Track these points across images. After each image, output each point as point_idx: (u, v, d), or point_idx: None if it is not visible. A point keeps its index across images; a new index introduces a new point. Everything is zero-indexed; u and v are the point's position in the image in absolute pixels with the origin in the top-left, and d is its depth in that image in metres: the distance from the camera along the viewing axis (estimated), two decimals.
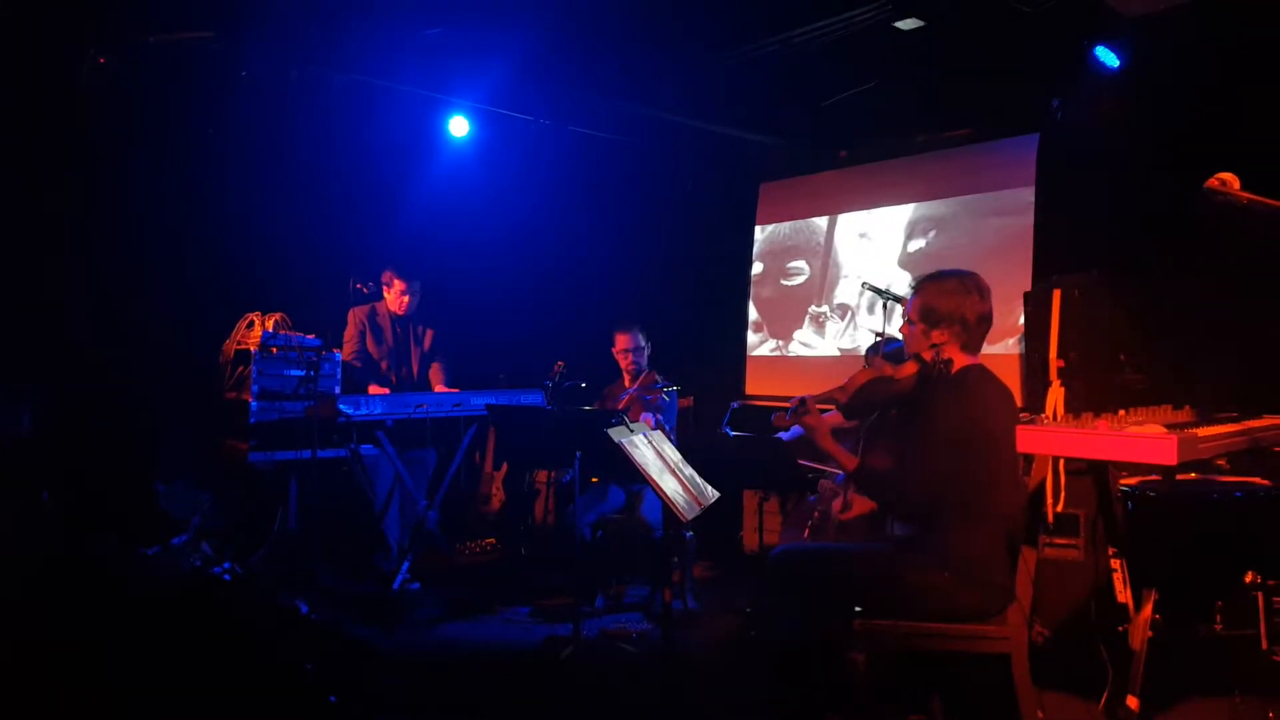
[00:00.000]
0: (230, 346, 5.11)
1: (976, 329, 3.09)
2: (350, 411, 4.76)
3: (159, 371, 5.69)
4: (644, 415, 5.13)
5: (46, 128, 5.11)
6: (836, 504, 4.33)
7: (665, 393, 5.21)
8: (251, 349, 4.89)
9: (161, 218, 5.71)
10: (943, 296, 3.10)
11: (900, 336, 3.78)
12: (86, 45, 4.88)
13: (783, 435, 4.31)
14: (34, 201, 5.27)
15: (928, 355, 3.10)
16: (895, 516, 3.35)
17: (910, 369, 3.16)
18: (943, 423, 2.98)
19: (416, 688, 3.93)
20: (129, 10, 4.91)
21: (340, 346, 5.32)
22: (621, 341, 5.39)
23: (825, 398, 3.21)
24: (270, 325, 5.13)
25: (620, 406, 5.18)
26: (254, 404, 4.81)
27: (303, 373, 4.89)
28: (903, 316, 3.26)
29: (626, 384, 5.37)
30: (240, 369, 4.96)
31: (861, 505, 4.09)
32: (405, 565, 5.13)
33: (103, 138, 5.33)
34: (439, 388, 5.50)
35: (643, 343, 5.36)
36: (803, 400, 3.13)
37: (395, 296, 5.46)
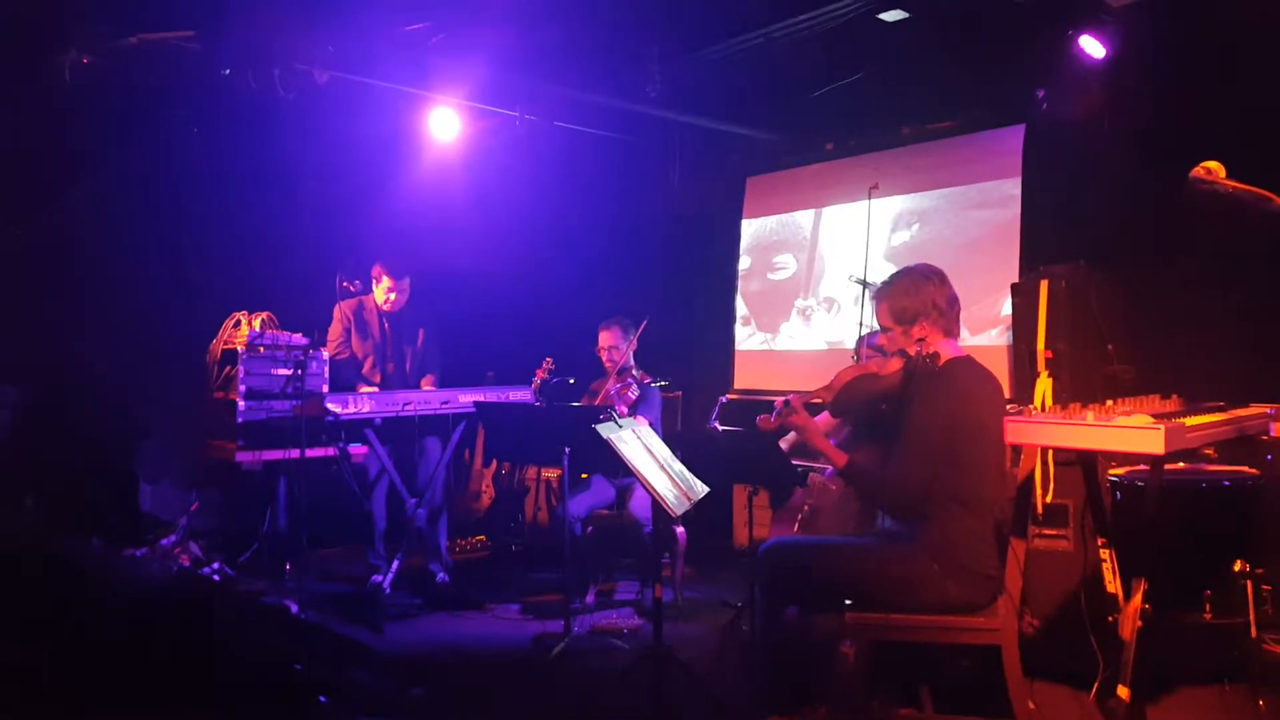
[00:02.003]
0: (217, 346, 5.08)
1: (950, 311, 3.12)
2: (338, 410, 4.74)
3: (145, 372, 5.66)
4: (617, 406, 5.13)
5: (26, 128, 5.07)
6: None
7: (637, 386, 5.20)
8: (238, 348, 4.86)
9: (145, 217, 5.68)
10: (907, 295, 3.13)
11: None
12: (69, 45, 4.84)
13: (782, 444, 4.35)
14: (14, 202, 5.23)
15: (912, 350, 3.11)
16: (887, 514, 3.36)
17: (895, 365, 3.17)
18: (930, 416, 2.98)
19: (407, 687, 3.92)
20: (111, 10, 4.87)
21: (327, 345, 5.29)
22: (601, 339, 5.37)
23: (811, 398, 3.21)
24: (257, 324, 5.10)
25: (598, 402, 5.18)
26: (241, 403, 4.78)
27: (290, 372, 4.86)
28: (879, 327, 3.27)
29: (610, 379, 5.36)
30: (227, 369, 4.94)
31: None
32: (396, 563, 5.11)
33: (84, 137, 5.29)
34: (427, 387, 5.48)
35: (621, 340, 5.33)
36: (788, 401, 3.14)
37: (382, 293, 5.43)
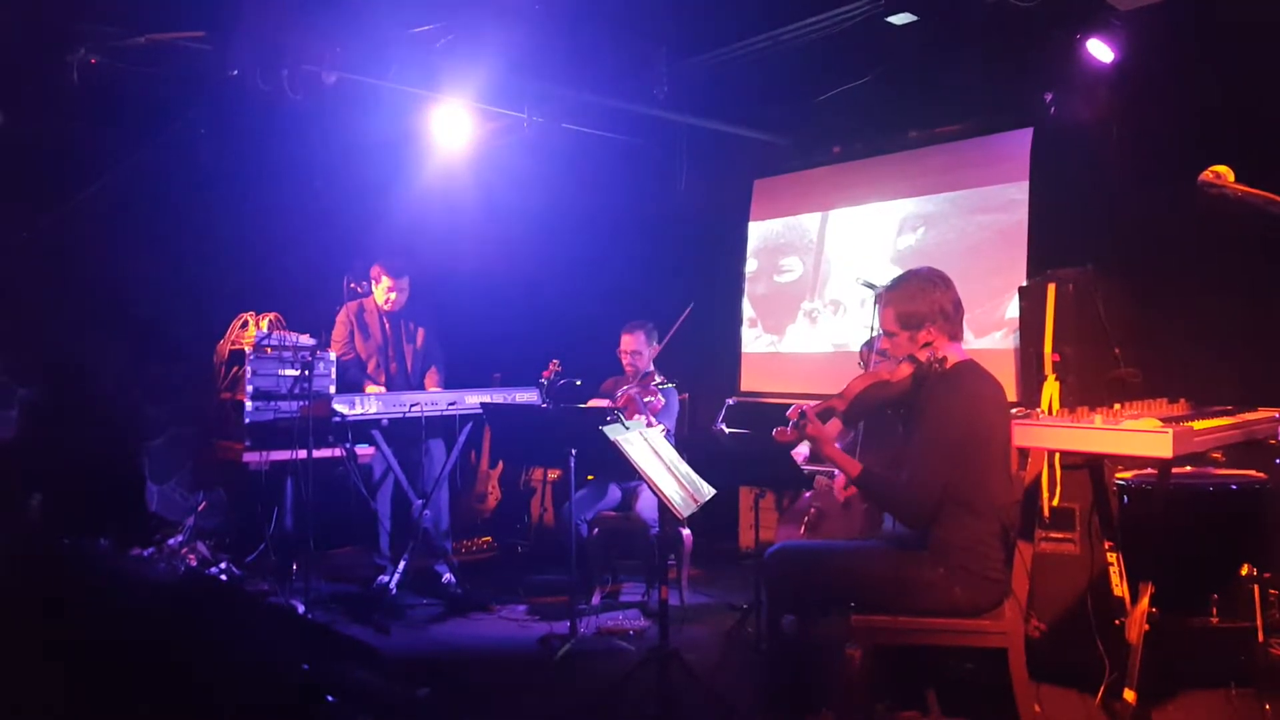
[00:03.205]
0: (224, 347, 5.09)
1: (956, 316, 3.12)
2: (345, 411, 4.75)
3: (152, 372, 5.68)
4: (636, 415, 5.11)
5: (34, 128, 5.09)
6: (840, 480, 4.32)
7: (662, 391, 5.18)
8: (246, 349, 4.87)
9: (153, 217, 5.70)
10: (913, 299, 3.10)
11: None
12: (77, 45, 4.86)
13: (796, 456, 4.34)
14: (22, 202, 5.25)
15: (922, 355, 3.10)
16: (902, 522, 3.35)
17: (905, 370, 3.16)
18: (942, 421, 2.97)
19: (413, 687, 3.92)
20: (119, 10, 4.89)
21: (332, 346, 5.30)
22: (624, 342, 5.34)
23: (824, 408, 3.20)
24: (264, 325, 5.11)
25: (619, 404, 5.17)
26: (248, 404, 4.79)
27: (297, 372, 4.86)
28: (883, 331, 3.25)
29: (628, 381, 5.33)
30: (235, 369, 4.95)
31: None
32: (402, 564, 5.12)
33: (92, 138, 5.31)
34: (433, 389, 5.49)
35: (644, 345, 5.31)
36: (803, 413, 3.12)
37: (382, 293, 5.44)
